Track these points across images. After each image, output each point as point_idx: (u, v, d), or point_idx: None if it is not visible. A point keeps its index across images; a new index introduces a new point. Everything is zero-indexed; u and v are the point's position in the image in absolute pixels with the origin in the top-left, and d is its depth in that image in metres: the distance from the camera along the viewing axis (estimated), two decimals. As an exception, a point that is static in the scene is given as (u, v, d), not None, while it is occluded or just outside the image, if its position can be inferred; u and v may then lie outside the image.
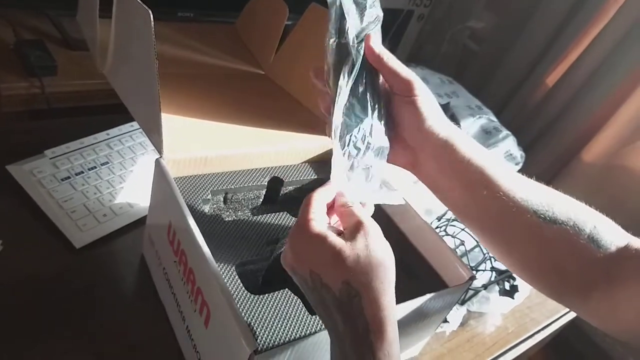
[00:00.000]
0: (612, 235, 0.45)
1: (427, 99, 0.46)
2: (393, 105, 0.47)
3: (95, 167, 0.70)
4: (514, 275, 0.49)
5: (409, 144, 0.47)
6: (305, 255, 0.39)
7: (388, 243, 0.40)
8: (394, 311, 0.37)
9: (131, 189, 0.70)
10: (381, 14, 0.45)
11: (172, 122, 0.59)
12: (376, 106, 0.44)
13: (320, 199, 0.42)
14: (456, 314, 0.73)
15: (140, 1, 0.49)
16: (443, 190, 0.48)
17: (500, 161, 0.49)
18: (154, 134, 0.53)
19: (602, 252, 0.43)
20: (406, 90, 0.45)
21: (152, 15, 0.47)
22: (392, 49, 1.48)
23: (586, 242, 0.43)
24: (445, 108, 1.03)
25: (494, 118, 1.11)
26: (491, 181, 0.44)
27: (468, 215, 0.48)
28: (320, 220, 0.40)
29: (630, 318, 0.43)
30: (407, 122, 0.46)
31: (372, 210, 0.45)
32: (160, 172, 0.53)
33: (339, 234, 0.39)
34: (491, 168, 0.45)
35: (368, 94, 0.44)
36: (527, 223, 0.44)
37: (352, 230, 0.39)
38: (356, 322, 0.36)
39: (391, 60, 0.45)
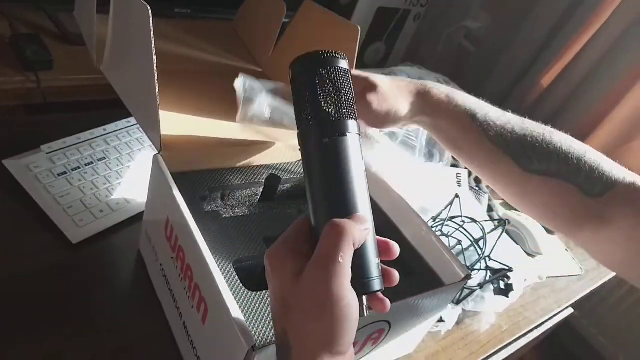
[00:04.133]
0: (605, 167, 0.49)
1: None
2: None
3: (92, 163, 0.70)
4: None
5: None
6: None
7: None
8: None
9: (128, 184, 0.70)
10: None
11: (169, 118, 0.59)
12: None
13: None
14: (451, 313, 0.73)
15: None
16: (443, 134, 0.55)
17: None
18: (152, 130, 0.53)
19: (597, 184, 0.48)
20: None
21: (150, 11, 0.47)
22: (389, 48, 1.48)
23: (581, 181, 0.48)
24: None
25: (489, 118, 1.11)
26: (478, 115, 0.52)
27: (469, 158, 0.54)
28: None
29: (616, 253, 0.47)
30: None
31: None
32: (157, 168, 0.53)
33: None
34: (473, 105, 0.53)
35: None
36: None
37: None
38: None
39: None
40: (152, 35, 0.47)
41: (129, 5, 0.51)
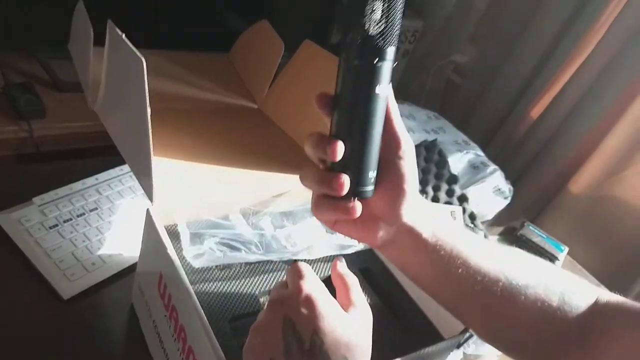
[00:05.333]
0: (581, 291, 0.46)
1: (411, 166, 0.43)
2: None
3: (83, 214, 0.69)
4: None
5: (379, 219, 0.43)
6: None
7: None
8: None
9: (120, 235, 0.69)
10: None
11: (163, 165, 0.58)
12: None
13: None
14: (452, 356, 0.72)
15: (133, 47, 0.49)
16: (413, 269, 0.47)
17: (467, 233, 0.48)
18: (145, 179, 0.52)
19: (574, 313, 0.44)
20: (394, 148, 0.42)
21: (145, 64, 0.47)
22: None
23: (558, 304, 0.44)
24: (433, 145, 1.04)
25: (481, 153, 1.12)
26: (462, 257, 0.44)
27: (440, 292, 0.47)
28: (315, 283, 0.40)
29: None
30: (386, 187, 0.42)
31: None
32: (150, 222, 0.52)
33: None
34: (460, 244, 0.44)
35: None
36: (500, 292, 0.44)
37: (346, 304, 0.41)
38: None
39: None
40: (147, 89, 0.47)
41: (123, 53, 0.51)
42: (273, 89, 0.80)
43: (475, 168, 1.07)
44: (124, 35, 0.50)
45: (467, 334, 0.53)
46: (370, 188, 0.41)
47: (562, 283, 0.46)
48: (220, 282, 0.53)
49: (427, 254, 0.44)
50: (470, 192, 1.01)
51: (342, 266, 0.45)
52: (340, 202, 0.40)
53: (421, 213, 0.43)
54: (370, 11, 0.36)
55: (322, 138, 0.39)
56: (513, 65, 1.38)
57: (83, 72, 0.63)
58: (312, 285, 0.40)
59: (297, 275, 0.40)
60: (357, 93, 0.38)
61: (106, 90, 0.60)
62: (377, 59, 0.37)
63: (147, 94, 0.47)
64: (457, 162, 1.06)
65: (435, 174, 1.00)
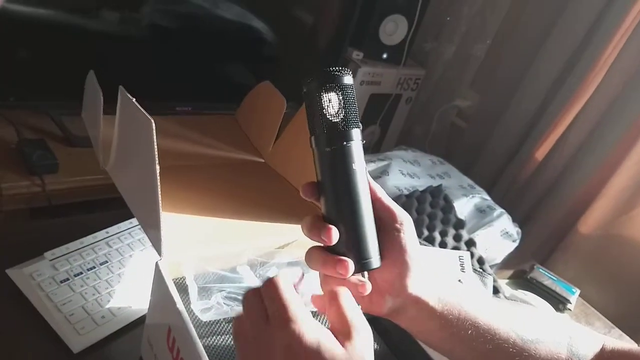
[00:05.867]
0: (587, 341, 0.47)
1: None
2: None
3: (94, 267, 0.70)
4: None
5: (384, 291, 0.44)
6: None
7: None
8: None
9: (129, 288, 0.70)
10: None
11: (171, 220, 0.60)
12: None
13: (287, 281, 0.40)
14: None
15: (142, 109, 0.51)
16: (422, 335, 0.47)
17: (474, 293, 0.49)
18: (153, 233, 0.54)
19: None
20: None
21: (154, 125, 0.49)
22: (383, 133, 1.53)
23: (567, 356, 0.45)
24: (438, 190, 1.05)
25: (487, 196, 1.13)
26: (470, 319, 0.44)
27: (452, 353, 0.47)
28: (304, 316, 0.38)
29: None
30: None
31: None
32: (159, 275, 0.53)
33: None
34: (467, 306, 0.45)
35: None
36: (512, 349, 0.45)
37: (344, 332, 0.38)
38: None
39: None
40: (156, 148, 0.49)
41: (133, 115, 0.53)
42: (278, 143, 0.83)
43: (481, 212, 1.08)
44: (134, 100, 0.52)
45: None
46: (374, 258, 0.42)
47: (569, 334, 0.47)
48: (228, 336, 0.53)
49: (435, 319, 0.44)
50: (477, 236, 1.01)
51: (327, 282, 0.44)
52: (349, 281, 0.42)
53: (426, 281, 0.44)
54: (327, 104, 0.41)
55: (315, 223, 0.42)
56: (516, 108, 1.40)
57: (95, 136, 0.66)
58: (300, 319, 0.37)
59: (281, 308, 0.38)
60: (335, 174, 0.42)
61: (117, 151, 0.62)
62: (344, 142, 0.41)
63: (156, 152, 0.48)
64: (464, 207, 1.06)
65: (442, 219, 1.01)
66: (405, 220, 0.43)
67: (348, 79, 0.42)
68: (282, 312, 0.37)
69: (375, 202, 0.43)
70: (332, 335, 0.38)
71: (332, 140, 0.42)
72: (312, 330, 0.37)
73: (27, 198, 0.88)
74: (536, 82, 1.35)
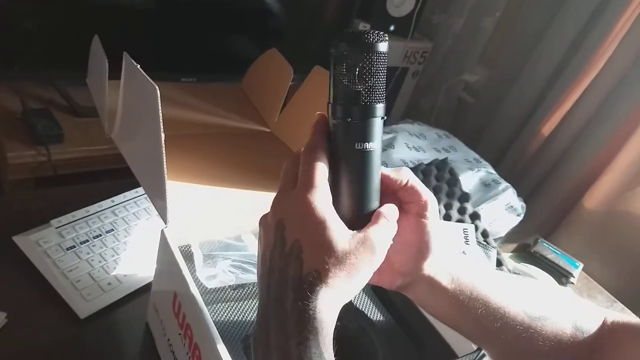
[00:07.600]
0: (590, 315, 0.48)
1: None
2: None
3: (100, 235, 0.71)
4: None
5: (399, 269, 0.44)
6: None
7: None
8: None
9: (136, 255, 0.71)
10: None
11: (177, 188, 0.60)
12: None
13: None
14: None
15: (146, 75, 0.51)
16: (430, 308, 0.47)
17: (485, 271, 0.48)
18: (159, 202, 0.54)
19: (586, 336, 0.46)
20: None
21: (159, 92, 0.49)
22: (389, 106, 1.51)
23: (571, 331, 0.46)
24: (444, 163, 1.04)
25: (492, 170, 1.12)
26: (482, 299, 0.44)
27: (460, 328, 0.47)
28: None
29: None
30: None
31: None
32: (165, 243, 0.53)
33: None
34: (479, 285, 0.45)
35: None
36: (520, 326, 0.45)
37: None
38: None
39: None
40: (160, 115, 0.49)
41: (138, 82, 0.53)
42: (285, 113, 0.82)
43: (486, 186, 1.07)
44: (138, 66, 0.52)
45: (481, 352, 0.53)
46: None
47: (574, 309, 0.48)
48: (233, 302, 0.53)
49: (446, 298, 0.44)
50: (482, 209, 1.01)
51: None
52: None
53: (441, 261, 0.44)
54: (355, 72, 0.37)
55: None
56: (524, 82, 1.38)
57: (100, 103, 0.66)
58: (317, 195, 0.37)
59: (308, 181, 0.38)
60: (345, 150, 0.39)
61: (122, 118, 0.62)
62: (367, 117, 0.38)
63: (160, 120, 0.48)
64: (469, 180, 1.06)
65: (447, 192, 1.01)
66: (430, 202, 0.42)
67: (383, 46, 0.37)
68: (310, 176, 0.38)
69: (406, 184, 0.41)
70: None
71: (352, 113, 0.38)
72: (328, 206, 0.38)
73: (32, 168, 0.88)
74: (545, 56, 1.33)
